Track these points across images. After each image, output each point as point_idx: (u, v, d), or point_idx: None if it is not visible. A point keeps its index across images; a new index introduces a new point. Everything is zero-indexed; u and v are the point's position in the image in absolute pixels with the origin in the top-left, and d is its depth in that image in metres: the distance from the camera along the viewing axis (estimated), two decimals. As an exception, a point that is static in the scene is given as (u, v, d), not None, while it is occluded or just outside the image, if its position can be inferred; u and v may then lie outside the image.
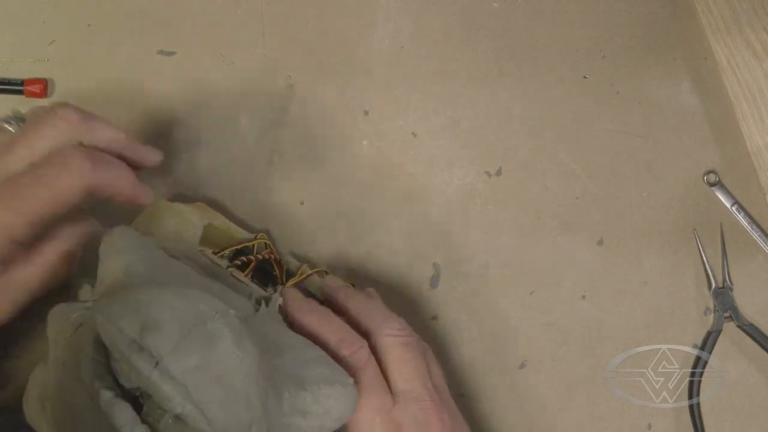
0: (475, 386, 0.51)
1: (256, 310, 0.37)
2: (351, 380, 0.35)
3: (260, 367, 0.29)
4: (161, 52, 0.53)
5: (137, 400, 0.26)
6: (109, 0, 0.53)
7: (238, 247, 0.45)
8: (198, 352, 0.26)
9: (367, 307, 0.40)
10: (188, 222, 0.44)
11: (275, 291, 0.43)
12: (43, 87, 0.51)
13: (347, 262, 0.52)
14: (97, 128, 0.34)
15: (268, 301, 0.39)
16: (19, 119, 0.36)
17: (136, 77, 0.53)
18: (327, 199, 0.53)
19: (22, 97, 0.51)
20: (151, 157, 0.39)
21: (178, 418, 0.26)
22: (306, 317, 0.37)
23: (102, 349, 0.26)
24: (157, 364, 0.25)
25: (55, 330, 0.29)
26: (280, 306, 0.39)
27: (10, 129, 0.35)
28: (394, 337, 0.37)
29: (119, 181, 0.33)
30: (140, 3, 0.54)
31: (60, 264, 0.34)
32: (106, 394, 0.25)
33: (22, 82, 0.51)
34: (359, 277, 0.52)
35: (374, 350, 0.37)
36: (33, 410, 0.29)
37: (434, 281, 0.52)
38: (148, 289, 0.28)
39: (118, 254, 0.31)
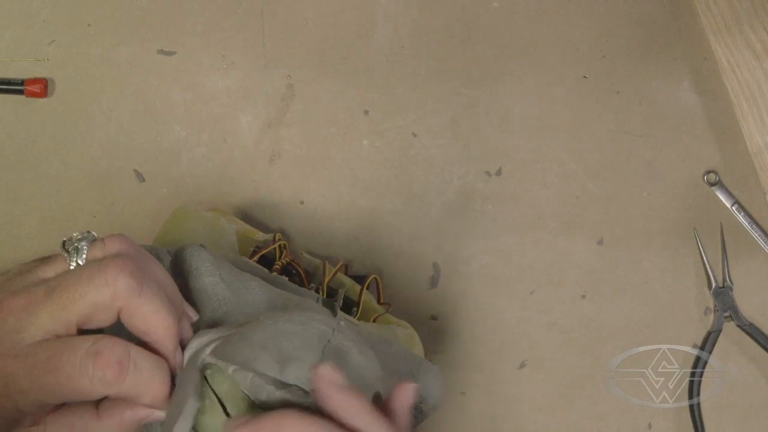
0: (475, 386, 0.51)
1: (334, 314, 0.38)
2: (436, 366, 0.37)
3: (383, 367, 0.30)
4: (161, 52, 0.53)
5: None
6: (109, 0, 0.53)
7: (265, 251, 0.43)
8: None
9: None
10: (218, 227, 0.42)
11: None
12: (43, 87, 0.51)
13: (347, 262, 0.52)
14: (146, 306, 0.27)
15: (332, 306, 0.39)
16: (88, 239, 0.29)
17: (136, 77, 0.53)
18: (327, 199, 0.53)
19: (22, 97, 0.51)
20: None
21: None
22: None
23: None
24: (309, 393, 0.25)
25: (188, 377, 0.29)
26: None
27: (66, 257, 0.29)
28: None
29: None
30: (140, 3, 0.54)
31: None
32: None
33: (22, 82, 0.51)
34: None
35: None
36: None
37: (434, 281, 0.52)
38: (262, 326, 0.28)
39: (205, 276, 0.31)
